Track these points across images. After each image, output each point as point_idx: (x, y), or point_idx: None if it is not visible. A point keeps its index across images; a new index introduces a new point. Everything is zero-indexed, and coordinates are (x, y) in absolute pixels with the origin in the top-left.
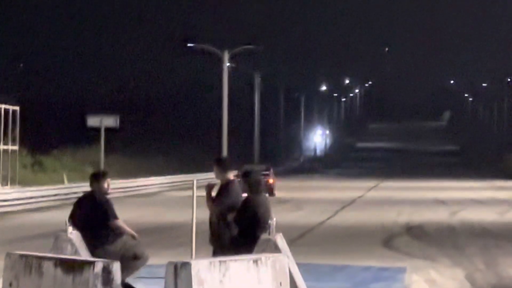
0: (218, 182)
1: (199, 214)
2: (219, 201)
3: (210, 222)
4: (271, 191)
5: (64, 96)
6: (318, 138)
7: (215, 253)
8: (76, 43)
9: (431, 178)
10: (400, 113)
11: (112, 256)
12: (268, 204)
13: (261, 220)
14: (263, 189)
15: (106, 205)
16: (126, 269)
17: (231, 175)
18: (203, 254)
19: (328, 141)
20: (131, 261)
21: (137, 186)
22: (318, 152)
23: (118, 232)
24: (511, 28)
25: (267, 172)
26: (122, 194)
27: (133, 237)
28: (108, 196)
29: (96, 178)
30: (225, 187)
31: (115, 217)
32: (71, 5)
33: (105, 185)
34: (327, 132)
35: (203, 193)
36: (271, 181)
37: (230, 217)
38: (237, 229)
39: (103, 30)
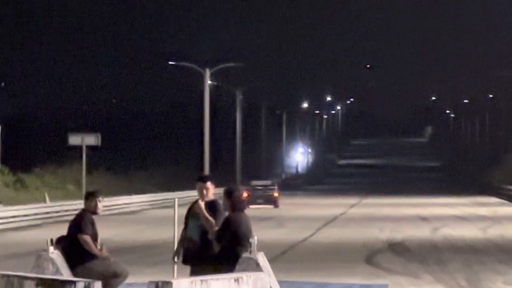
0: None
1: (180, 232)
2: (218, 221)
3: (188, 240)
4: (276, 204)
5: (45, 114)
6: (299, 157)
7: (193, 272)
8: (58, 62)
9: (413, 195)
10: (382, 129)
11: (92, 274)
12: (249, 222)
13: (243, 238)
14: (244, 207)
15: (79, 218)
16: (107, 287)
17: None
18: (184, 273)
19: (310, 158)
20: (111, 279)
21: (119, 204)
22: (300, 169)
23: (88, 249)
24: (492, 44)
25: (272, 187)
26: (105, 213)
27: (103, 258)
28: (95, 216)
29: (85, 197)
30: (215, 206)
31: (84, 232)
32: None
33: (93, 204)
34: (309, 150)
35: (184, 211)
36: (276, 194)
37: (211, 235)
38: (218, 247)
39: (85, 49)
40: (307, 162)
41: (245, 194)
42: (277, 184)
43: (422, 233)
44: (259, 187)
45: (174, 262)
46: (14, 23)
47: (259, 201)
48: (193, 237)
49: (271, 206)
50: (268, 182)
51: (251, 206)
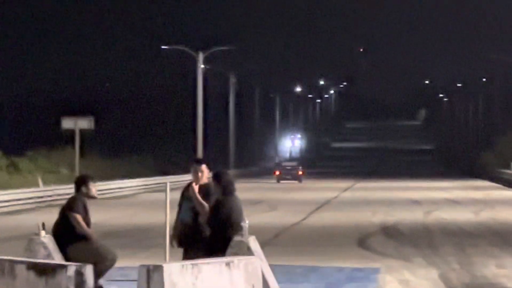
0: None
1: (172, 216)
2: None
3: (180, 222)
4: (300, 180)
5: (38, 97)
6: (289, 143)
7: (186, 255)
8: (51, 44)
9: (406, 178)
10: (376, 113)
11: (81, 256)
12: (241, 205)
13: (234, 222)
14: (234, 190)
15: (71, 199)
16: (96, 271)
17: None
18: (177, 256)
19: (303, 142)
20: (99, 262)
21: (112, 188)
22: (294, 153)
23: (76, 225)
24: (486, 28)
25: (297, 167)
26: (98, 196)
27: (88, 237)
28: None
29: (79, 182)
30: (209, 190)
31: (74, 211)
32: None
33: (83, 190)
34: (299, 136)
35: (177, 195)
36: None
37: (202, 219)
38: (209, 231)
39: (77, 32)
40: (300, 145)
41: (277, 172)
42: (301, 164)
43: (415, 216)
44: (288, 167)
45: (173, 247)
46: (3, 6)
47: (288, 177)
48: (185, 219)
49: (296, 181)
50: (294, 163)
51: (281, 181)
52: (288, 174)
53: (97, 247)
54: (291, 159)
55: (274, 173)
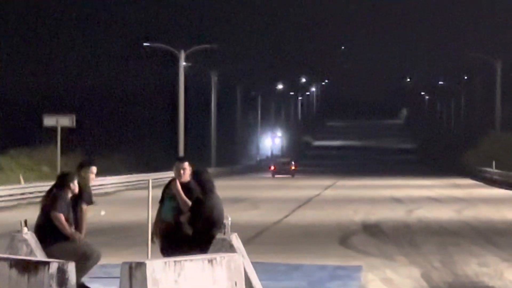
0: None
1: (154, 214)
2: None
3: (161, 221)
4: (293, 174)
5: (20, 95)
6: (269, 142)
7: (165, 253)
8: (32, 42)
9: (388, 176)
10: (358, 111)
11: (63, 255)
12: (221, 202)
13: (216, 219)
14: (214, 187)
15: (53, 197)
16: (79, 269)
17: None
18: (159, 254)
19: (284, 140)
20: (83, 260)
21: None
22: (275, 151)
23: (59, 226)
24: (466, 26)
25: (291, 162)
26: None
27: (73, 238)
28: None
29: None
30: (192, 188)
31: (57, 210)
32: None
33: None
34: (279, 134)
35: (158, 192)
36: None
37: (183, 218)
38: (190, 229)
39: (59, 30)
40: (281, 145)
41: (272, 167)
42: (294, 160)
43: (397, 215)
44: (282, 162)
45: (154, 243)
46: None
47: (282, 172)
48: (166, 218)
49: (290, 176)
50: (288, 159)
51: (276, 176)
52: (283, 169)
53: (81, 245)
54: (284, 155)
55: (270, 168)
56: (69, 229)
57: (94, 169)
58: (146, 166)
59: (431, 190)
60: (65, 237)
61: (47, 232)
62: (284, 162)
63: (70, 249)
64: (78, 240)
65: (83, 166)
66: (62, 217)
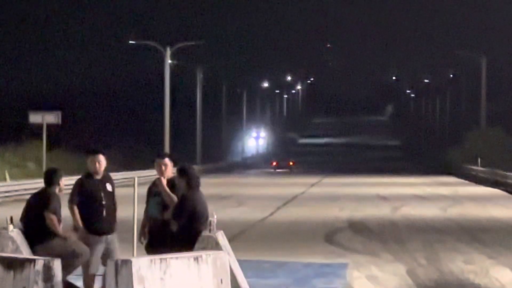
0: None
1: (140, 211)
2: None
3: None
4: (291, 169)
5: (5, 92)
6: (252, 142)
7: (153, 248)
8: (17, 38)
9: (374, 174)
10: (343, 108)
11: (52, 253)
12: (204, 199)
13: (201, 216)
14: (199, 184)
15: (47, 196)
16: (66, 267)
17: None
18: (144, 252)
19: (270, 138)
20: (70, 258)
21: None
22: (260, 148)
23: (52, 227)
24: (452, 24)
25: (289, 158)
26: (65, 191)
27: (64, 238)
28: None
29: (52, 177)
30: (174, 183)
31: (52, 212)
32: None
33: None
34: (263, 134)
35: (144, 190)
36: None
37: (167, 215)
38: (176, 225)
39: (45, 26)
40: (266, 142)
41: (274, 163)
42: (292, 156)
43: (382, 212)
44: (282, 159)
45: (141, 243)
46: None
47: (282, 166)
48: (153, 214)
49: (288, 170)
50: (287, 157)
51: (277, 170)
52: (283, 164)
53: (70, 244)
54: (269, 153)
55: (271, 163)
56: (61, 231)
57: (98, 157)
58: (133, 163)
59: (416, 187)
60: (54, 235)
61: (36, 230)
62: (284, 159)
63: (59, 247)
64: (68, 239)
65: (88, 154)
66: (55, 218)
